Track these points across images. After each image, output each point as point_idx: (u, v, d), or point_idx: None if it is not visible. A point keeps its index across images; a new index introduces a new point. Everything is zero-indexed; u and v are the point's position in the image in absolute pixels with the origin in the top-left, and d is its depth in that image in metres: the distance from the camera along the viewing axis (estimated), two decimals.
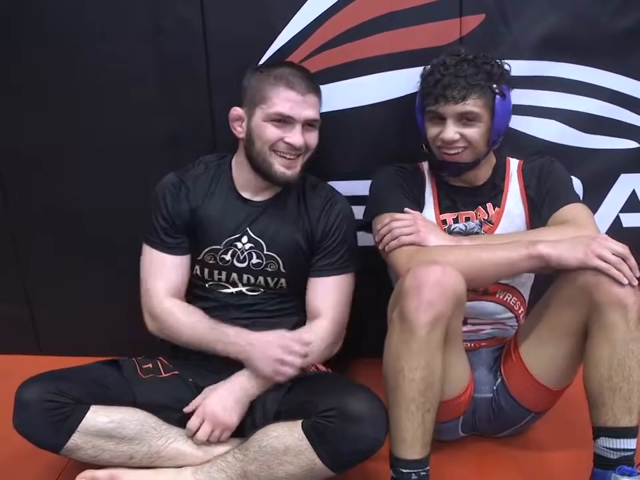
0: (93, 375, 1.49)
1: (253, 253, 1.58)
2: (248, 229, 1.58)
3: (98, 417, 1.41)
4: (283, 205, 1.61)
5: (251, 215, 1.59)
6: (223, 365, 1.54)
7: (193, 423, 1.47)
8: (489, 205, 1.62)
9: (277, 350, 1.46)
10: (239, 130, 1.56)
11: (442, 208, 1.64)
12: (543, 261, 1.38)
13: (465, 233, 1.60)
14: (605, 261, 1.32)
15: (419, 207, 1.62)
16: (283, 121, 1.50)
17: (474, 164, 1.56)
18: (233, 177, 1.62)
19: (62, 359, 1.97)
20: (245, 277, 1.59)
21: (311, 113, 1.52)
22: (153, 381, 1.54)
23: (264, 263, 1.58)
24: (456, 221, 1.62)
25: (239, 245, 1.58)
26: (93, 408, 1.41)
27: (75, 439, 1.40)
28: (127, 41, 1.79)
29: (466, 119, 1.50)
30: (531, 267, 1.41)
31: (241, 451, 1.40)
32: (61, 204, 1.96)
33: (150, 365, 1.58)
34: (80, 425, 1.39)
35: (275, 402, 1.48)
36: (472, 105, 1.49)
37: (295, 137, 1.50)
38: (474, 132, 1.51)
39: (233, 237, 1.58)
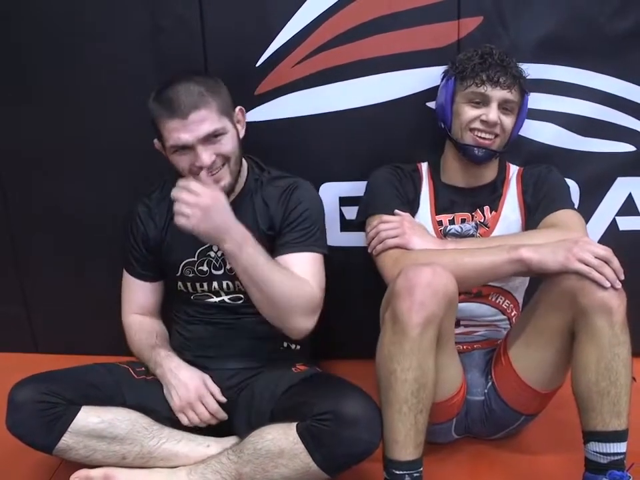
0: (84, 376, 1.49)
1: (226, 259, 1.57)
2: None
3: (89, 417, 1.42)
4: (243, 207, 1.56)
5: None
6: (217, 362, 1.56)
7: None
8: (487, 208, 1.63)
9: (192, 394, 1.49)
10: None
11: (438, 209, 1.64)
12: (524, 265, 1.39)
13: (460, 235, 1.61)
14: (587, 264, 1.32)
15: (413, 208, 1.63)
16: (184, 148, 1.42)
17: (495, 155, 1.59)
18: None
19: (59, 357, 1.99)
20: (224, 283, 1.58)
21: (201, 131, 1.40)
22: (144, 383, 1.54)
23: None
24: (452, 222, 1.63)
25: (212, 253, 1.57)
26: (84, 408, 1.42)
27: (67, 440, 1.40)
28: (126, 41, 1.79)
29: (505, 107, 1.55)
30: (513, 271, 1.42)
31: (235, 453, 1.40)
32: (60, 204, 1.96)
33: (143, 368, 1.59)
34: (71, 426, 1.40)
35: (270, 402, 1.48)
36: (514, 95, 1.55)
37: (200, 158, 1.41)
38: (509, 121, 1.57)
39: (204, 247, 1.57)
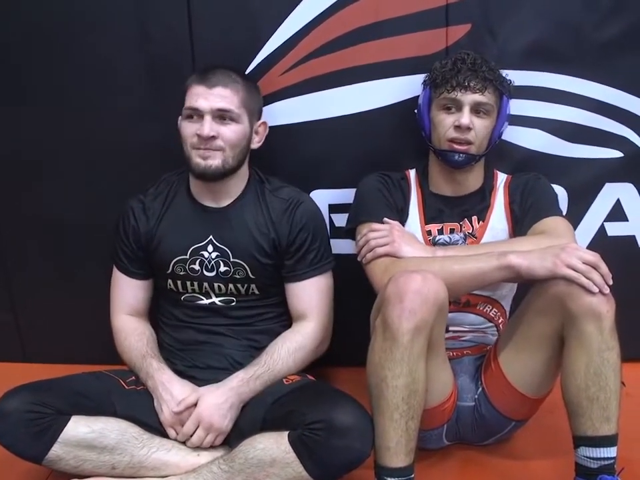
0: (74, 385, 1.48)
1: (220, 262, 1.58)
2: (212, 237, 1.58)
3: (79, 427, 1.41)
4: (242, 210, 1.60)
5: (212, 222, 1.59)
6: (206, 373, 1.56)
7: (188, 427, 1.47)
8: (474, 219, 1.63)
9: (168, 417, 1.48)
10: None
11: (427, 218, 1.64)
12: (513, 272, 1.39)
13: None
14: (575, 270, 1.33)
15: (402, 216, 1.63)
16: (195, 114, 1.51)
17: (475, 159, 1.59)
18: (190, 187, 1.63)
19: (47, 366, 1.97)
20: (215, 285, 1.59)
21: (220, 104, 1.51)
22: (135, 394, 1.54)
23: (231, 270, 1.58)
24: (440, 232, 1.63)
25: (205, 254, 1.58)
26: (73, 418, 1.41)
27: (56, 450, 1.39)
28: (115, 49, 1.79)
29: (480, 110, 1.56)
30: (502, 277, 1.42)
31: (226, 462, 1.39)
32: (48, 210, 1.95)
33: (133, 378, 1.58)
34: (61, 436, 1.39)
35: (261, 411, 1.47)
36: (488, 97, 1.55)
37: (203, 127, 1.49)
38: (486, 124, 1.57)
39: (198, 245, 1.58)
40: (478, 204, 1.65)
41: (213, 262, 1.58)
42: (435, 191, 1.67)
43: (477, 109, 1.55)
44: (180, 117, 1.57)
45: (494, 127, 1.59)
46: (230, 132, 1.52)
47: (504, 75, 1.60)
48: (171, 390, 1.50)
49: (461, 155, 1.57)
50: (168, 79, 1.79)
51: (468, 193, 1.65)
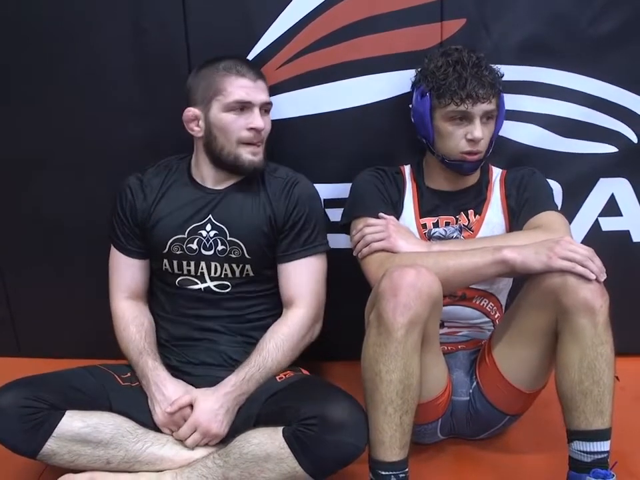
0: (68, 380, 1.48)
1: (218, 240, 1.58)
2: (210, 216, 1.59)
3: (73, 421, 1.41)
4: (242, 191, 1.61)
5: (212, 202, 1.60)
6: (201, 369, 1.56)
7: (183, 431, 1.47)
8: (471, 212, 1.64)
9: (161, 417, 1.48)
10: (197, 129, 1.58)
11: (422, 212, 1.64)
12: (508, 266, 1.40)
13: (445, 239, 1.61)
14: (570, 260, 1.33)
15: (397, 210, 1.63)
16: (243, 107, 1.53)
17: (483, 160, 1.59)
18: (191, 171, 1.64)
19: (42, 361, 1.96)
20: (212, 265, 1.59)
21: (265, 97, 1.57)
22: (129, 390, 1.54)
23: (227, 249, 1.58)
24: (436, 225, 1.63)
25: (204, 233, 1.58)
26: (68, 413, 1.41)
27: (51, 444, 1.39)
28: (108, 43, 1.78)
29: (487, 117, 1.54)
30: (497, 272, 1.43)
31: (221, 457, 1.39)
32: (42, 205, 1.95)
33: (128, 374, 1.58)
34: (55, 430, 1.39)
35: (256, 407, 1.47)
36: (494, 103, 1.54)
37: (257, 120, 1.54)
38: (490, 130, 1.57)
39: (196, 225, 1.58)
40: (474, 198, 1.65)
41: (211, 240, 1.58)
42: (431, 185, 1.67)
43: (485, 117, 1.54)
44: (200, 110, 1.56)
45: (495, 127, 1.59)
46: (268, 124, 1.59)
47: (497, 70, 1.58)
48: (164, 390, 1.50)
49: (470, 163, 1.57)
50: (163, 76, 1.79)
51: (464, 187, 1.66)
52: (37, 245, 2.01)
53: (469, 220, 1.63)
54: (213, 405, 1.47)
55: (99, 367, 1.58)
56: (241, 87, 1.53)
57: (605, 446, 1.33)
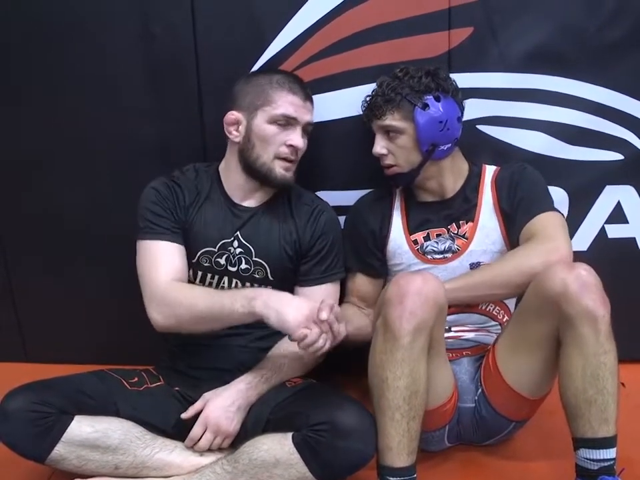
0: (77, 385, 1.48)
1: (242, 258, 1.59)
2: (238, 233, 1.59)
3: (82, 426, 1.40)
4: (270, 212, 1.62)
5: (241, 220, 1.60)
6: (211, 374, 1.55)
7: (195, 431, 1.47)
8: (462, 222, 1.63)
9: (305, 311, 1.36)
10: (235, 134, 1.57)
11: (411, 228, 1.65)
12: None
13: (439, 252, 1.62)
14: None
15: (383, 234, 1.67)
16: (286, 123, 1.54)
17: (413, 173, 1.60)
18: (222, 182, 1.63)
19: (49, 366, 1.97)
20: (234, 282, 1.59)
21: (310, 118, 1.59)
22: (137, 395, 1.53)
23: (252, 269, 1.59)
24: (427, 238, 1.64)
25: (231, 249, 1.59)
26: (76, 418, 1.41)
27: (59, 449, 1.39)
28: (118, 47, 1.79)
29: (390, 132, 1.58)
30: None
31: (230, 463, 1.39)
32: (50, 208, 1.96)
33: (136, 379, 1.57)
34: (64, 435, 1.39)
35: (266, 411, 1.48)
36: (390, 119, 1.57)
37: (298, 138, 1.55)
38: (398, 144, 1.58)
39: (227, 240, 1.59)
40: (463, 205, 1.64)
41: (236, 257, 1.59)
42: (419, 199, 1.68)
43: (386, 133, 1.59)
44: (243, 115, 1.55)
45: (416, 138, 1.56)
46: (305, 145, 1.59)
47: (439, 77, 1.56)
48: (287, 298, 1.42)
49: (394, 177, 1.62)
50: (171, 79, 1.80)
51: (449, 196, 1.65)
52: (45, 250, 2.01)
53: (458, 228, 1.63)
54: (224, 401, 1.48)
55: (107, 372, 1.57)
56: (290, 103, 1.54)
57: (611, 453, 1.33)
